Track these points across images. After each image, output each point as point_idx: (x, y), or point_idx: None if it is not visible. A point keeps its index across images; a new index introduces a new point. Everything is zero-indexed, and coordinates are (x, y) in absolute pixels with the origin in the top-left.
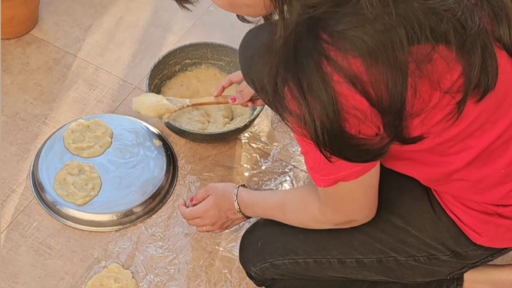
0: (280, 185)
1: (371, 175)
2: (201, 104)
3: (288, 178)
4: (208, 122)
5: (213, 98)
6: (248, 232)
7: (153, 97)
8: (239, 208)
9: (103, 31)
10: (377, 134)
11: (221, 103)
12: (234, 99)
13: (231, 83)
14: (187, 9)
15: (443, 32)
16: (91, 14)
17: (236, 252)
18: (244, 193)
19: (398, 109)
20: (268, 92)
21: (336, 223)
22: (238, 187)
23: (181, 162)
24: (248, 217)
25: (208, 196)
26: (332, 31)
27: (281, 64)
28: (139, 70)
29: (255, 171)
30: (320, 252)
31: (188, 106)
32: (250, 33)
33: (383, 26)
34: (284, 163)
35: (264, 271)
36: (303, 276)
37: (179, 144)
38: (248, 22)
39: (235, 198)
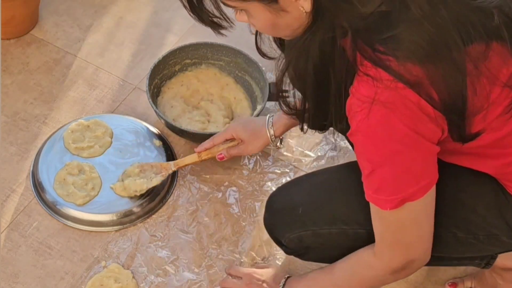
0: (280, 185)
1: (432, 194)
2: (185, 165)
3: (288, 178)
4: (208, 122)
5: (196, 156)
6: (279, 197)
7: (129, 181)
8: None
9: (103, 31)
10: (440, 140)
11: (205, 160)
12: (222, 158)
13: (214, 145)
14: (224, 35)
15: (495, 28)
16: (91, 14)
17: (237, 254)
18: (294, 283)
19: (461, 109)
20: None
21: (394, 268)
22: (286, 278)
23: None
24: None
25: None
26: (386, 40)
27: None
28: (139, 70)
29: (255, 172)
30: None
31: (173, 171)
32: None
33: (435, 28)
34: (284, 163)
35: (302, 239)
36: (345, 247)
37: (179, 144)
38: (270, 58)
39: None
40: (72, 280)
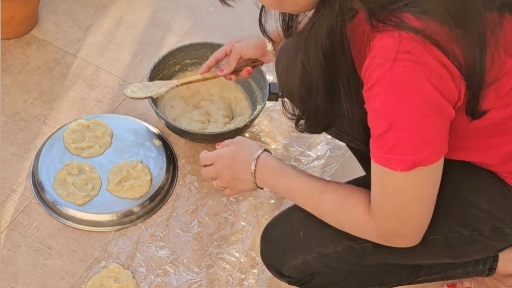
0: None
1: (441, 165)
2: (189, 82)
3: None
4: (209, 121)
5: (200, 75)
6: (276, 225)
7: (141, 84)
8: (254, 170)
9: (103, 31)
10: (455, 104)
11: (208, 79)
12: (222, 70)
13: (217, 62)
14: (230, 5)
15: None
16: (91, 14)
17: (237, 253)
18: (270, 158)
19: (481, 76)
20: None
21: (383, 234)
22: (264, 149)
23: (181, 162)
24: (258, 187)
25: (231, 145)
26: (407, 5)
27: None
28: (139, 70)
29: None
30: None
31: (177, 86)
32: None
33: None
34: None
35: (308, 263)
36: (352, 264)
37: (179, 144)
38: (270, 38)
39: (255, 157)
40: (72, 280)
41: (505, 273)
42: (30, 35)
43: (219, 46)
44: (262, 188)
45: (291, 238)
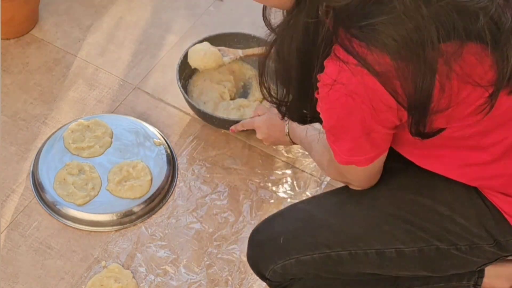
0: (280, 186)
1: (380, 160)
2: (253, 54)
3: (289, 179)
4: (243, 108)
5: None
6: (261, 229)
7: (207, 47)
8: (288, 132)
9: (103, 31)
10: (397, 126)
11: (256, 55)
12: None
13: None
14: None
15: (477, 30)
16: (91, 14)
17: (237, 253)
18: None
19: (425, 106)
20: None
21: (336, 180)
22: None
23: (181, 162)
24: (293, 143)
25: (266, 113)
26: (363, 27)
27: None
28: (139, 70)
29: (255, 172)
30: (356, 243)
31: (240, 57)
32: None
33: (414, 25)
34: (284, 164)
35: (286, 269)
36: (329, 273)
37: (179, 144)
38: (273, 31)
39: (287, 121)
40: (72, 280)
41: None
42: (30, 35)
43: (230, 35)
44: (295, 143)
45: (272, 243)
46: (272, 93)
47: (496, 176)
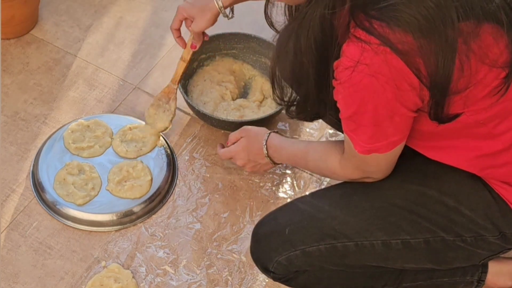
0: (280, 186)
1: (400, 147)
2: (180, 76)
3: (289, 179)
4: (243, 108)
5: (182, 62)
6: (265, 222)
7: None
8: (267, 153)
9: (103, 31)
10: (418, 109)
11: (188, 61)
12: (194, 46)
13: (179, 32)
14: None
15: (493, 10)
16: (91, 14)
17: (236, 254)
18: (275, 137)
19: (445, 85)
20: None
21: (352, 178)
22: (270, 132)
23: (181, 162)
24: (276, 164)
25: (241, 138)
26: (382, 8)
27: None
28: (139, 70)
29: (255, 172)
30: (362, 234)
31: (177, 88)
32: None
33: (435, 3)
34: (284, 164)
35: (291, 261)
36: (334, 265)
37: (179, 144)
38: (276, 30)
39: (265, 142)
40: (72, 280)
41: (495, 287)
42: (30, 35)
43: (229, 35)
44: (280, 164)
45: (277, 235)
46: (283, 96)
47: (505, 163)
